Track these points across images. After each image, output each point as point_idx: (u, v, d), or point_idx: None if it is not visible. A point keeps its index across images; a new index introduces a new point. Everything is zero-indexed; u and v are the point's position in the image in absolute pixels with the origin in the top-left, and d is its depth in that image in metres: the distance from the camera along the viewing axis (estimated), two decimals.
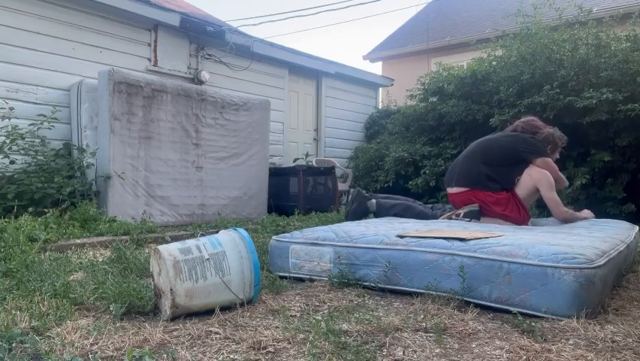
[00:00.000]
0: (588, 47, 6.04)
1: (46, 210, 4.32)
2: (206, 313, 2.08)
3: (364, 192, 4.45)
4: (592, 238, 2.66)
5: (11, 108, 4.96)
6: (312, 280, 2.72)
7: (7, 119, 4.88)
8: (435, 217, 4.12)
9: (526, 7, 7.16)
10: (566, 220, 3.82)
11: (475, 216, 3.88)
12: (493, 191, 3.87)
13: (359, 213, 4.32)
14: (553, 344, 1.74)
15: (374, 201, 4.36)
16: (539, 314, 2.09)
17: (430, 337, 1.83)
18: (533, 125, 4.13)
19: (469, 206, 3.94)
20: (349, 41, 48.26)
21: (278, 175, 6.85)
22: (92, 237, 4.09)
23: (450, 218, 3.93)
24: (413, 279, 2.46)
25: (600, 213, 4.76)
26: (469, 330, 1.90)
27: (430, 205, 4.52)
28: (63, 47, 5.63)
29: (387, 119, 9.00)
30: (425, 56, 12.45)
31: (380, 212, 4.28)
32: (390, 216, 4.17)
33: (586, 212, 3.98)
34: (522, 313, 2.04)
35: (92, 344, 1.71)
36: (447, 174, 4.27)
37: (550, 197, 3.81)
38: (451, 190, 4.11)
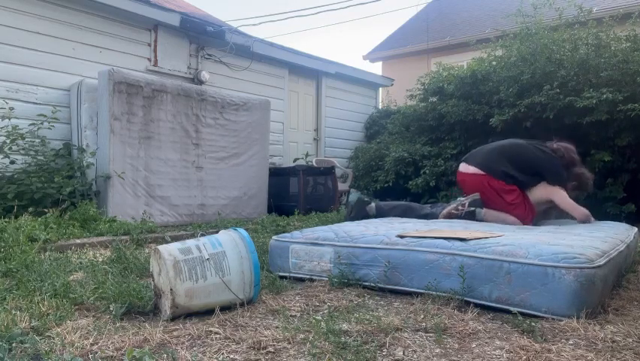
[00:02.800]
0: (588, 46, 6.04)
1: (46, 210, 4.32)
2: (206, 313, 2.08)
3: (364, 197, 4.46)
4: (592, 238, 2.66)
5: (11, 108, 4.96)
6: (312, 280, 2.72)
7: (7, 119, 4.88)
8: (435, 215, 4.11)
9: (526, 7, 7.16)
10: (588, 218, 3.78)
11: (478, 204, 3.91)
12: (507, 183, 3.90)
13: (359, 219, 4.32)
14: (553, 344, 1.74)
15: (373, 205, 4.37)
16: (539, 314, 2.09)
17: (430, 337, 1.83)
18: (572, 158, 4.07)
19: (472, 195, 3.99)
20: (349, 41, 48.26)
21: (278, 175, 6.84)
22: (92, 237, 4.09)
23: (456, 209, 3.94)
24: (413, 279, 2.46)
25: (600, 214, 4.76)
26: (469, 330, 1.90)
27: (430, 205, 4.52)
28: (63, 47, 5.63)
29: (387, 119, 8.99)
30: (425, 56, 12.45)
31: (380, 216, 4.28)
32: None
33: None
34: (522, 313, 2.04)
35: (92, 344, 1.71)
36: (469, 154, 4.27)
37: (567, 202, 3.82)
38: (466, 169, 4.10)
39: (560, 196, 3.85)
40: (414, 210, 4.25)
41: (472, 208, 3.90)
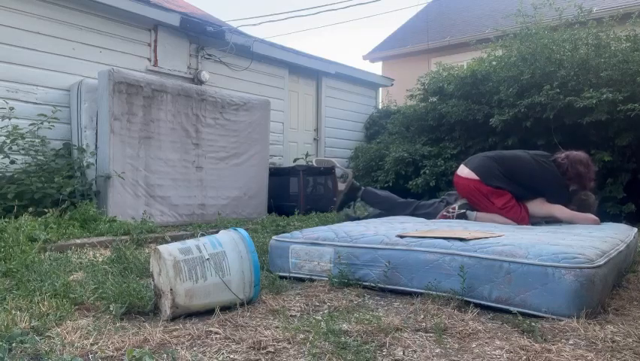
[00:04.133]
0: (588, 47, 6.04)
1: (46, 210, 4.32)
2: (206, 313, 2.08)
3: (357, 183, 4.58)
4: (592, 238, 2.66)
5: (11, 108, 4.95)
6: (312, 280, 2.72)
7: (7, 119, 4.88)
8: (421, 213, 4.15)
9: (526, 7, 7.17)
10: (596, 222, 3.70)
11: (468, 207, 3.93)
12: (495, 188, 3.88)
13: (347, 199, 4.51)
14: (553, 344, 1.74)
15: (362, 190, 4.50)
16: (539, 314, 2.09)
17: (430, 337, 1.83)
18: (578, 172, 3.85)
19: (461, 199, 4.02)
20: (349, 41, 48.24)
21: (278, 175, 6.84)
22: (92, 237, 4.09)
23: (447, 211, 3.96)
24: (413, 279, 2.46)
25: (600, 214, 4.75)
26: (469, 330, 1.90)
27: (416, 202, 4.54)
28: (63, 47, 5.63)
29: (387, 119, 9.00)
30: (425, 56, 12.45)
31: (365, 201, 4.43)
32: (373, 209, 4.28)
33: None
34: (522, 313, 2.04)
35: (92, 344, 1.71)
36: (470, 158, 4.22)
37: (568, 215, 3.75)
38: (462, 172, 4.06)
39: (561, 212, 3.78)
40: (396, 209, 4.28)
41: (463, 210, 3.90)
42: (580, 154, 3.98)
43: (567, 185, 3.92)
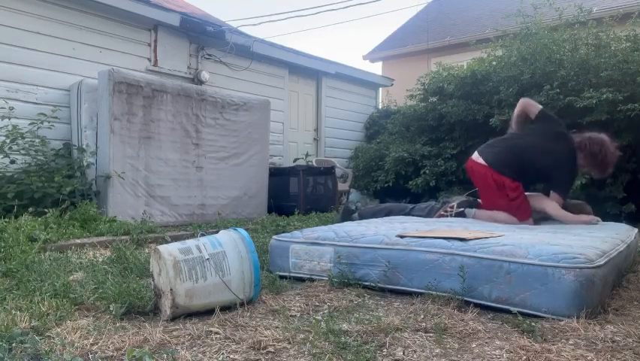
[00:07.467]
0: (588, 47, 6.04)
1: (46, 210, 4.32)
2: (206, 313, 2.08)
3: (350, 206, 4.54)
4: (592, 238, 2.66)
5: (11, 108, 4.96)
6: (312, 280, 2.72)
7: (7, 119, 4.88)
8: (417, 214, 4.13)
9: (526, 7, 7.17)
10: (589, 221, 3.66)
11: (467, 205, 3.91)
12: (511, 179, 3.83)
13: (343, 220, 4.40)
14: (553, 344, 1.74)
15: (357, 214, 4.41)
16: (539, 314, 2.09)
17: (430, 337, 1.83)
18: (601, 158, 3.70)
19: (459, 197, 4.01)
20: (349, 41, 48.19)
21: (278, 175, 6.84)
22: (92, 237, 4.09)
23: (445, 210, 3.93)
24: (413, 279, 2.46)
25: (600, 214, 4.75)
26: (469, 330, 1.90)
27: (411, 205, 4.51)
28: (63, 47, 5.63)
29: (387, 119, 8.99)
30: (425, 56, 12.45)
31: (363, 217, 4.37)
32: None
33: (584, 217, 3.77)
34: (522, 313, 2.04)
35: (92, 344, 1.71)
36: (486, 144, 4.11)
37: (560, 214, 3.70)
38: (477, 159, 3.97)
39: (553, 208, 3.73)
40: (394, 212, 4.27)
41: (461, 209, 3.88)
42: (604, 140, 3.78)
43: (576, 172, 3.83)
